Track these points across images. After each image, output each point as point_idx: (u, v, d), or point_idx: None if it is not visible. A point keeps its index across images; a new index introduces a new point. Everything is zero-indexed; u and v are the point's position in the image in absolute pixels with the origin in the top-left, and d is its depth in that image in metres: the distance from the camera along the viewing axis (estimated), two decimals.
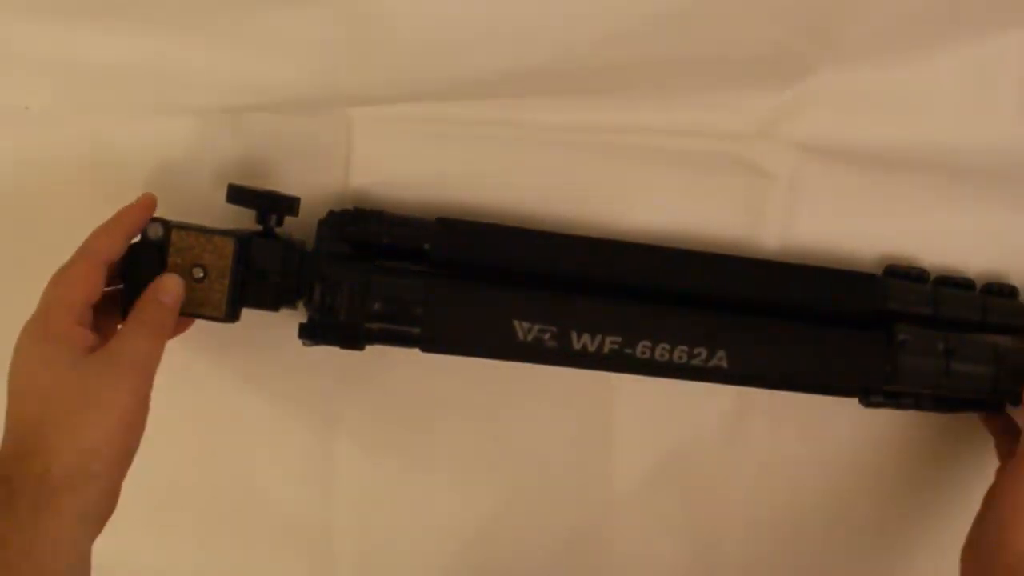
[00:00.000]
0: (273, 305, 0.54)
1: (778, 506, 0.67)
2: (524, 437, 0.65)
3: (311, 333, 0.55)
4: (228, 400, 0.63)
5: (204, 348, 0.58)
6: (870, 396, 0.60)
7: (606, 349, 0.55)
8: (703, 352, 0.56)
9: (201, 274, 0.51)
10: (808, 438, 0.66)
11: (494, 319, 0.55)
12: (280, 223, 0.55)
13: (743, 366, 0.57)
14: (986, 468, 0.60)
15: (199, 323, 0.55)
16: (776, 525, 0.68)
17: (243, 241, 0.53)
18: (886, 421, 0.65)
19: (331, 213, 0.56)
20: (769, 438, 0.66)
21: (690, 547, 0.68)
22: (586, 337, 0.55)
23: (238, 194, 0.54)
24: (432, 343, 0.56)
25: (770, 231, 0.63)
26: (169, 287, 0.50)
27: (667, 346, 0.56)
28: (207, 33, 0.56)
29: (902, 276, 0.61)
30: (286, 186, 0.58)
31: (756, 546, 0.68)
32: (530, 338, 0.55)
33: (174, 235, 0.51)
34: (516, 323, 0.55)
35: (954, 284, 0.61)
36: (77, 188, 0.58)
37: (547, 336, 0.55)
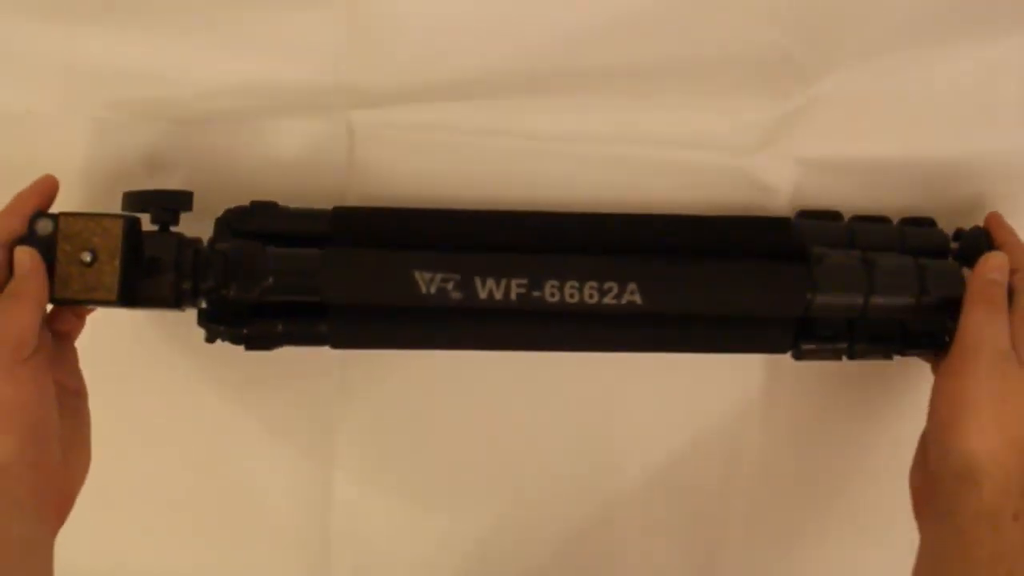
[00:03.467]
0: (173, 301, 0.52)
1: (777, 511, 0.68)
2: (522, 446, 0.65)
3: (209, 316, 0.54)
4: (228, 408, 0.63)
5: (204, 355, 0.58)
6: (799, 342, 0.58)
7: (513, 295, 0.53)
8: (614, 287, 0.54)
9: (89, 258, 0.50)
10: (804, 443, 0.66)
11: (394, 273, 0.53)
12: (176, 220, 0.54)
13: (658, 300, 0.54)
14: None
15: (199, 335, 0.55)
16: (775, 529, 0.68)
17: (132, 222, 0.51)
18: (886, 426, 0.66)
19: (228, 210, 0.56)
20: (767, 443, 0.66)
21: (689, 553, 0.68)
22: (491, 283, 0.54)
23: (131, 200, 0.54)
24: (335, 312, 0.55)
25: None
26: (20, 258, 0.49)
27: (575, 283, 0.54)
28: (209, 35, 0.57)
29: (816, 218, 0.60)
30: (288, 190, 0.58)
31: (754, 551, 0.68)
32: (433, 289, 0.53)
33: (61, 221, 0.50)
34: (417, 274, 0.53)
35: (869, 220, 0.60)
36: (79, 191, 0.58)
37: (450, 286, 0.53)
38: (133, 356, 0.62)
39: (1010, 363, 0.52)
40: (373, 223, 0.57)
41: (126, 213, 0.52)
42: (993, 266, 0.55)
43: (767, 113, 0.60)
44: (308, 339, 0.56)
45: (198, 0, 0.56)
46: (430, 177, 0.60)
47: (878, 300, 0.56)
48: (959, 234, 0.60)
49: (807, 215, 0.60)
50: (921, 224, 0.61)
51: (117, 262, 0.50)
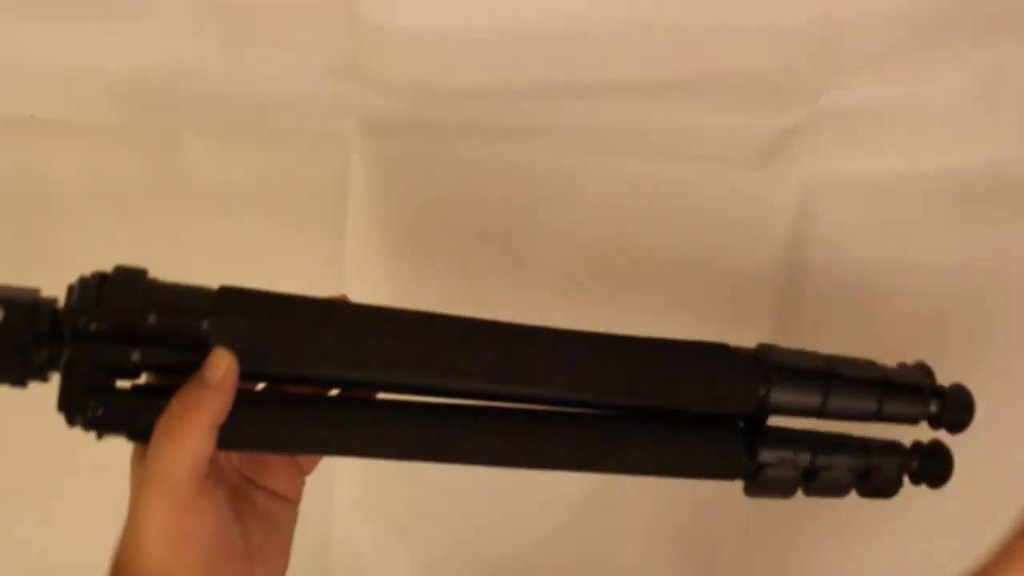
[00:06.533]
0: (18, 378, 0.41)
1: (776, 512, 0.67)
2: None
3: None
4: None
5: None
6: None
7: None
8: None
9: None
10: None
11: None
12: None
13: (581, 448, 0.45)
14: None
15: None
16: (774, 530, 0.68)
17: None
18: (883, 427, 0.65)
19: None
20: None
21: (689, 554, 0.68)
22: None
23: None
24: None
25: (777, 264, 0.63)
26: (219, 360, 0.40)
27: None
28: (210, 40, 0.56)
29: (784, 367, 0.47)
30: (287, 216, 0.59)
31: (753, 553, 0.68)
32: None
33: None
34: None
35: (847, 371, 0.48)
36: (81, 196, 0.59)
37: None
38: None
39: None
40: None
41: None
42: None
43: (769, 128, 0.60)
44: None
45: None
46: (431, 197, 0.61)
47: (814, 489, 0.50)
48: (939, 391, 0.49)
49: (778, 363, 0.47)
50: (904, 385, 0.48)
51: None
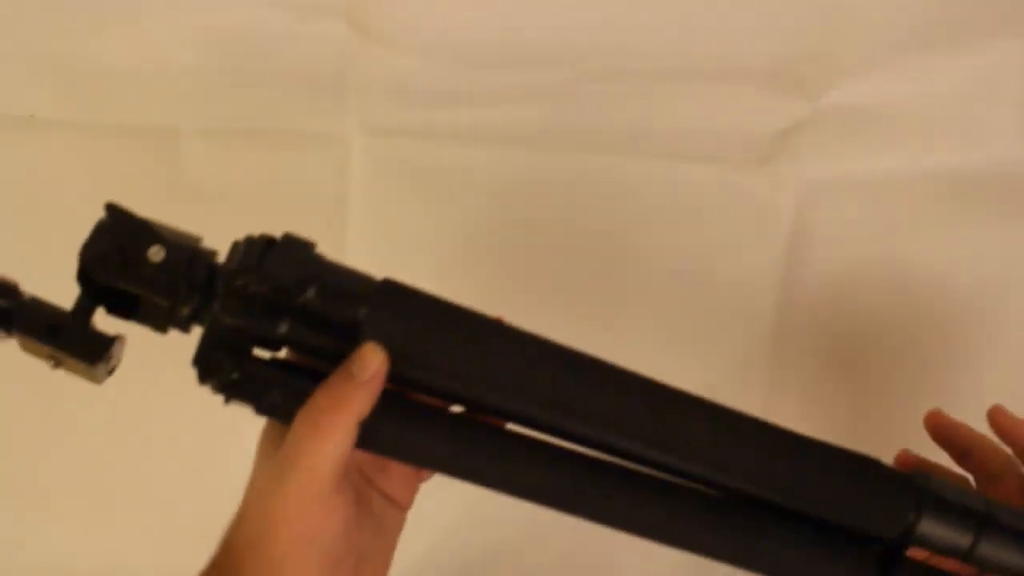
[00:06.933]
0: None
1: None
2: None
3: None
4: (228, 409, 0.63)
5: None
6: None
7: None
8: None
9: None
10: None
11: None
12: None
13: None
14: None
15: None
16: None
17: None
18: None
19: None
20: None
21: (688, 559, 0.68)
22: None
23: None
24: None
25: (776, 264, 0.63)
26: (371, 356, 0.38)
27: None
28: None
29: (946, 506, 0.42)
30: (287, 216, 0.58)
31: None
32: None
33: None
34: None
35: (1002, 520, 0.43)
36: (81, 196, 0.59)
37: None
38: (136, 355, 0.62)
39: None
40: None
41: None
42: None
43: (769, 128, 0.60)
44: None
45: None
46: (432, 200, 0.61)
47: None
48: None
49: (935, 492, 0.42)
50: None
51: None
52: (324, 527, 0.38)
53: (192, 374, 0.62)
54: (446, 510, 0.66)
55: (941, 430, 0.49)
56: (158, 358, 0.62)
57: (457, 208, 0.61)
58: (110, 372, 0.41)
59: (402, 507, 0.44)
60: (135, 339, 0.60)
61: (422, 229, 0.60)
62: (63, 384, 0.64)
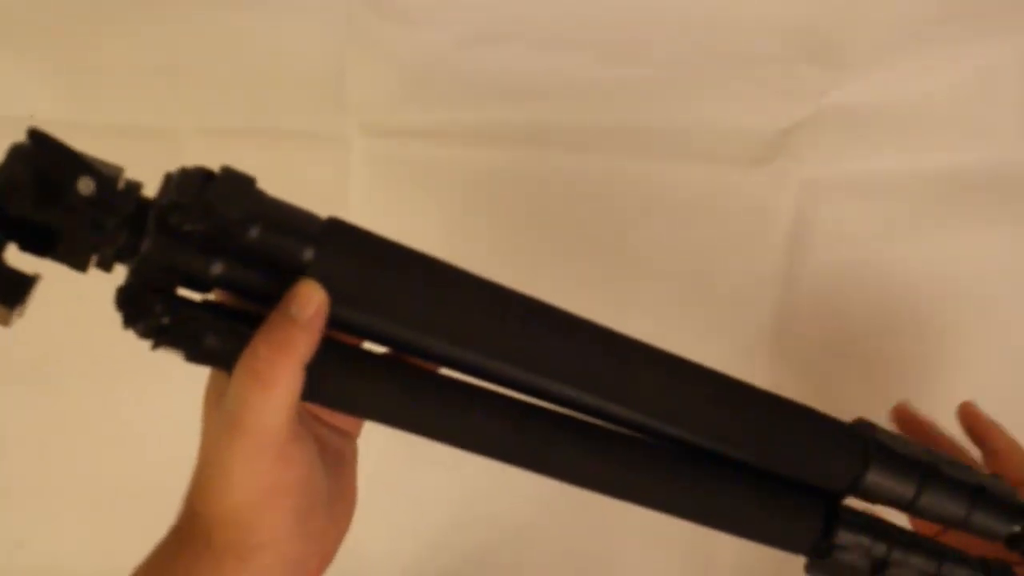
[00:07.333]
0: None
1: None
2: None
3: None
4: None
5: None
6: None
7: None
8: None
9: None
10: None
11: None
12: None
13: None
14: None
15: None
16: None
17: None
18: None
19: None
20: None
21: (688, 555, 0.68)
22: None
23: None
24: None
25: (777, 263, 0.63)
26: (308, 293, 0.36)
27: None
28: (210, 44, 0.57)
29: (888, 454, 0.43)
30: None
31: (751, 555, 0.68)
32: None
33: None
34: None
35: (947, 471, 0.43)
36: None
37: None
38: (136, 354, 0.62)
39: None
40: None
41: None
42: None
43: (769, 128, 0.60)
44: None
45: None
46: (430, 201, 0.61)
47: None
48: None
49: (881, 443, 0.43)
50: (998, 499, 0.43)
51: None
52: (285, 481, 0.36)
53: (197, 371, 0.62)
54: (445, 508, 0.66)
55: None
56: (159, 358, 0.62)
57: (457, 208, 0.61)
58: (19, 316, 0.36)
59: (353, 436, 0.42)
60: (136, 339, 0.61)
61: (422, 229, 0.60)
62: (63, 384, 0.64)
